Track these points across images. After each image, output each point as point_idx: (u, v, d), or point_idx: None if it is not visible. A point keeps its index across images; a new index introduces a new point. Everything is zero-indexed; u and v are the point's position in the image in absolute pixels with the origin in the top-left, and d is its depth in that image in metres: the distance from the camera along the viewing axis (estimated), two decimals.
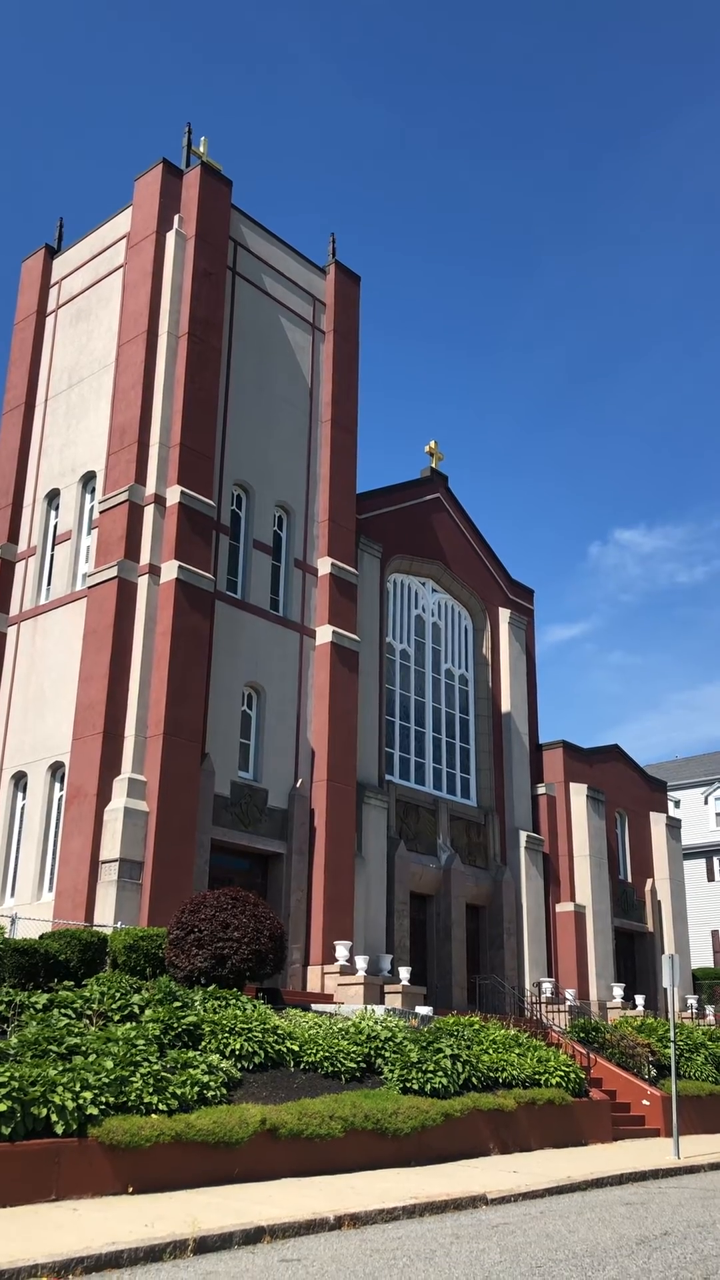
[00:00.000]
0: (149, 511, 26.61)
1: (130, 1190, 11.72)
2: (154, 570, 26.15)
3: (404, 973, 25.79)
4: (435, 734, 35.54)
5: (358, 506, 33.02)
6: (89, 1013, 15.62)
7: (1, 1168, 10.86)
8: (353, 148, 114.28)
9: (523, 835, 36.40)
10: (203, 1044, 15.24)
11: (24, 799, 27.50)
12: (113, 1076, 12.59)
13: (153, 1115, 12.49)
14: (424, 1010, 23.22)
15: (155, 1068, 13.19)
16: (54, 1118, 11.60)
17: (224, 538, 28.70)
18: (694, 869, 53.78)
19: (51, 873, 26.00)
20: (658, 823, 42.07)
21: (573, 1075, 19.83)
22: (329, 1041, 16.51)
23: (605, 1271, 8.88)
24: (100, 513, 27.25)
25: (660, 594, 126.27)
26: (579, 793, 38.36)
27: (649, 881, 41.02)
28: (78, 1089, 12.01)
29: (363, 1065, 16.69)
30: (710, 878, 54.66)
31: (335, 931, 27.42)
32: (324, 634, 30.05)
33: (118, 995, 16.21)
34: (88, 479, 29.50)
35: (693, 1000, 35.40)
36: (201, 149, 30.73)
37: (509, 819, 36.63)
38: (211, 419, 28.30)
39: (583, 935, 36.59)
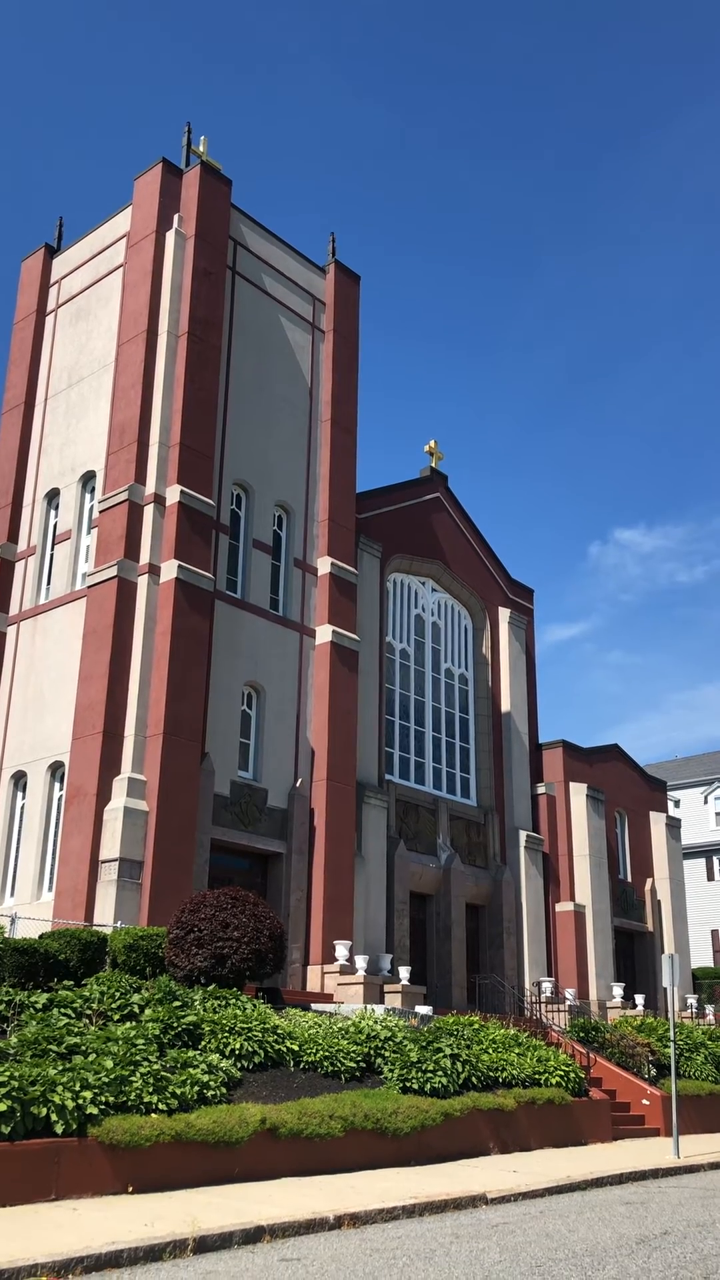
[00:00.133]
0: (149, 511, 26.61)
1: (130, 1190, 11.72)
2: (154, 570, 26.14)
3: (404, 972, 25.80)
4: (435, 733, 35.54)
5: (357, 506, 33.02)
6: (89, 1012, 15.62)
7: (1, 1167, 10.86)
8: (353, 148, 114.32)
9: (522, 835, 36.40)
10: (202, 1043, 15.23)
11: (24, 799, 27.50)
12: (112, 1076, 12.58)
13: (152, 1115, 12.49)
14: (424, 1010, 23.22)
15: (155, 1067, 13.18)
16: (54, 1117, 11.60)
17: (224, 537, 28.70)
18: (694, 868, 53.79)
19: (51, 872, 26.00)
20: (657, 822, 42.08)
21: (572, 1075, 19.83)
22: (329, 1041, 16.51)
23: (605, 1271, 8.88)
24: (100, 512, 27.24)
25: (660, 594, 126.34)
26: (579, 792, 38.36)
27: (649, 881, 41.02)
28: (77, 1088, 12.01)
29: (362, 1065, 16.69)
30: (710, 877, 54.66)
31: (335, 931, 27.42)
32: (324, 633, 30.05)
33: (117, 995, 16.21)
34: (87, 478, 29.50)
35: (692, 1000, 35.41)
36: (201, 148, 30.72)
37: (509, 818, 36.63)
38: (211, 418, 28.29)
39: (582, 935, 36.60)
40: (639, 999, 33.12)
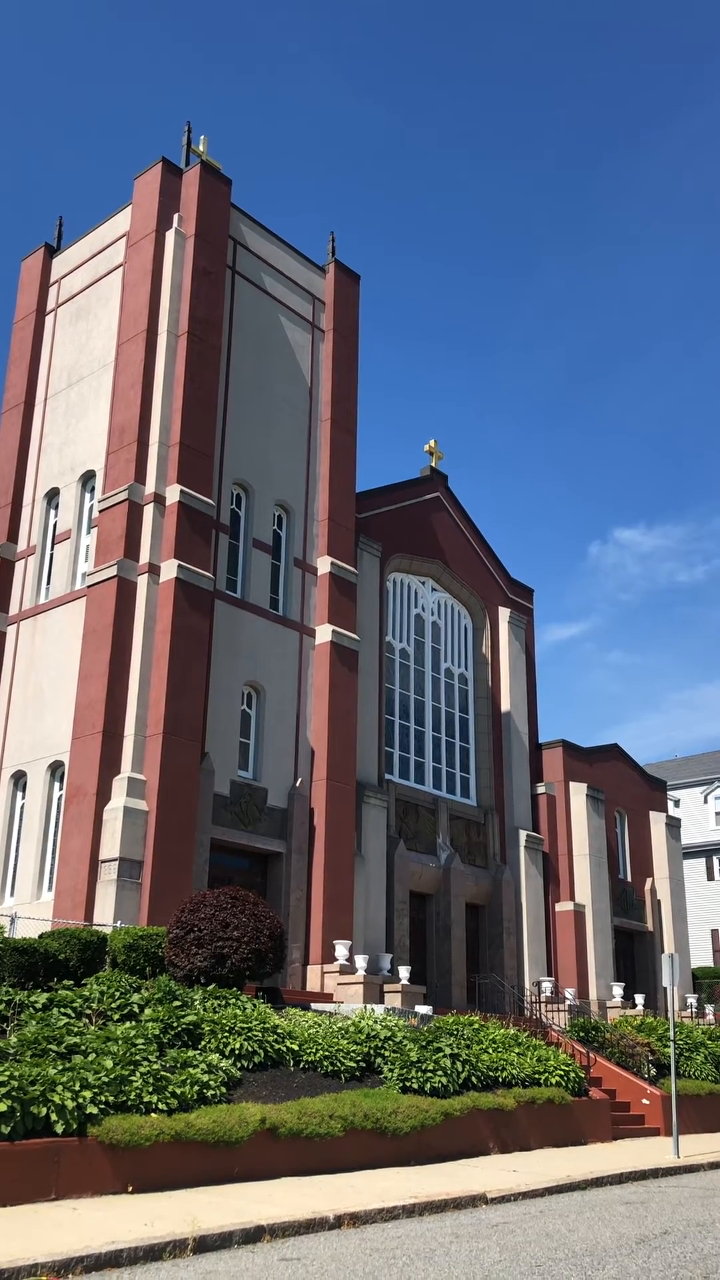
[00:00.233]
0: (148, 510, 26.60)
1: (130, 1189, 11.72)
2: (153, 569, 26.14)
3: (403, 972, 25.79)
4: (435, 733, 35.54)
5: (357, 506, 33.01)
6: (88, 1012, 15.61)
7: (1, 1167, 10.86)
8: (353, 148, 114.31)
9: (522, 834, 36.40)
10: (202, 1043, 15.23)
11: (24, 798, 27.49)
12: (112, 1076, 12.58)
13: (152, 1114, 12.48)
14: (423, 1009, 23.22)
15: (155, 1067, 13.18)
16: (54, 1117, 11.59)
17: (224, 537, 28.70)
18: (693, 868, 53.79)
19: (51, 872, 26.00)
20: (657, 822, 42.08)
21: (572, 1074, 19.83)
22: (328, 1041, 16.50)
23: (605, 1270, 8.88)
24: (100, 512, 27.23)
25: (660, 593, 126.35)
26: (579, 792, 38.36)
27: (649, 881, 41.02)
28: (77, 1088, 12.01)
29: (362, 1064, 16.68)
30: (710, 877, 54.66)
31: (335, 931, 27.41)
32: (324, 633, 30.05)
33: (117, 994, 16.21)
34: (87, 478, 29.49)
35: (692, 999, 35.41)
36: (201, 148, 30.70)
37: (508, 818, 36.63)
38: (211, 418, 28.29)
39: (582, 934, 36.60)
40: (639, 999, 33.13)
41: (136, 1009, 15.90)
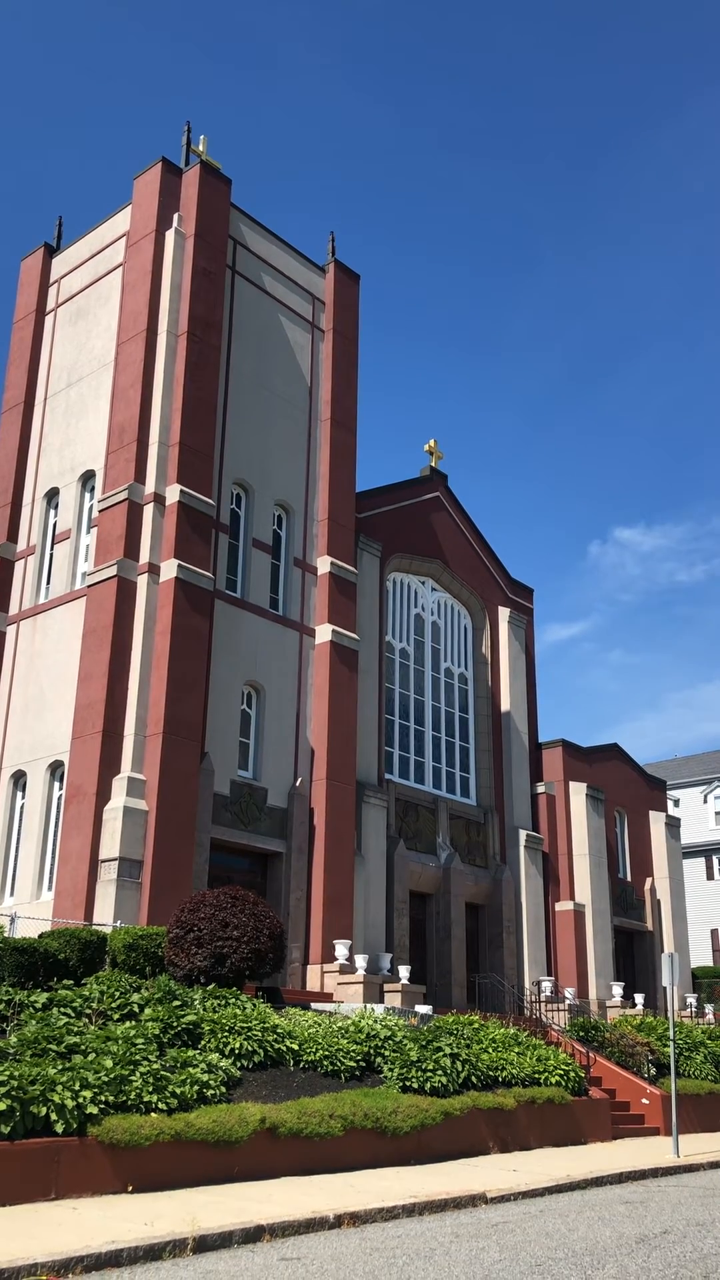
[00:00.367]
0: (148, 510, 26.60)
1: (130, 1189, 11.72)
2: (153, 569, 26.14)
3: (403, 971, 25.80)
4: (435, 733, 35.54)
5: (357, 505, 33.01)
6: (88, 1012, 15.61)
7: (1, 1166, 10.86)
8: (352, 147, 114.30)
9: (522, 834, 36.40)
10: (202, 1043, 15.23)
11: (23, 798, 27.49)
12: (112, 1075, 12.58)
13: (152, 1114, 12.49)
14: (423, 1009, 23.22)
15: (155, 1067, 13.18)
16: (53, 1117, 11.60)
17: (223, 536, 28.69)
18: (693, 868, 53.80)
19: (51, 872, 26.00)
20: (657, 821, 42.08)
21: (572, 1074, 19.83)
22: (328, 1040, 16.50)
23: (605, 1270, 8.88)
24: (99, 511, 27.23)
25: (660, 593, 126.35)
26: (578, 792, 38.37)
27: (648, 880, 41.03)
28: (77, 1088, 12.01)
29: (362, 1064, 16.68)
30: (709, 876, 54.67)
31: (335, 930, 27.42)
32: (323, 633, 30.05)
33: (117, 994, 16.21)
34: (87, 478, 29.49)
35: (692, 999, 35.42)
36: (201, 148, 30.70)
37: (508, 818, 36.64)
38: (211, 418, 28.28)
39: (582, 934, 36.60)
40: (639, 998, 33.14)
41: (136, 1009, 15.90)
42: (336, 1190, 12.52)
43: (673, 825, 42.50)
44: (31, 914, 24.17)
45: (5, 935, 19.13)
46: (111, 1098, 12.32)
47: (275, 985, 22.96)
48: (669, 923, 40.71)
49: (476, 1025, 20.27)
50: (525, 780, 37.88)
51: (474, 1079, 17.71)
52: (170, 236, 29.11)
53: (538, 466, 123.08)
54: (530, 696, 39.57)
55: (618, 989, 33.98)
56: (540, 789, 38.17)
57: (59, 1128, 11.56)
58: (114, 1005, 15.84)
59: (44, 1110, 11.55)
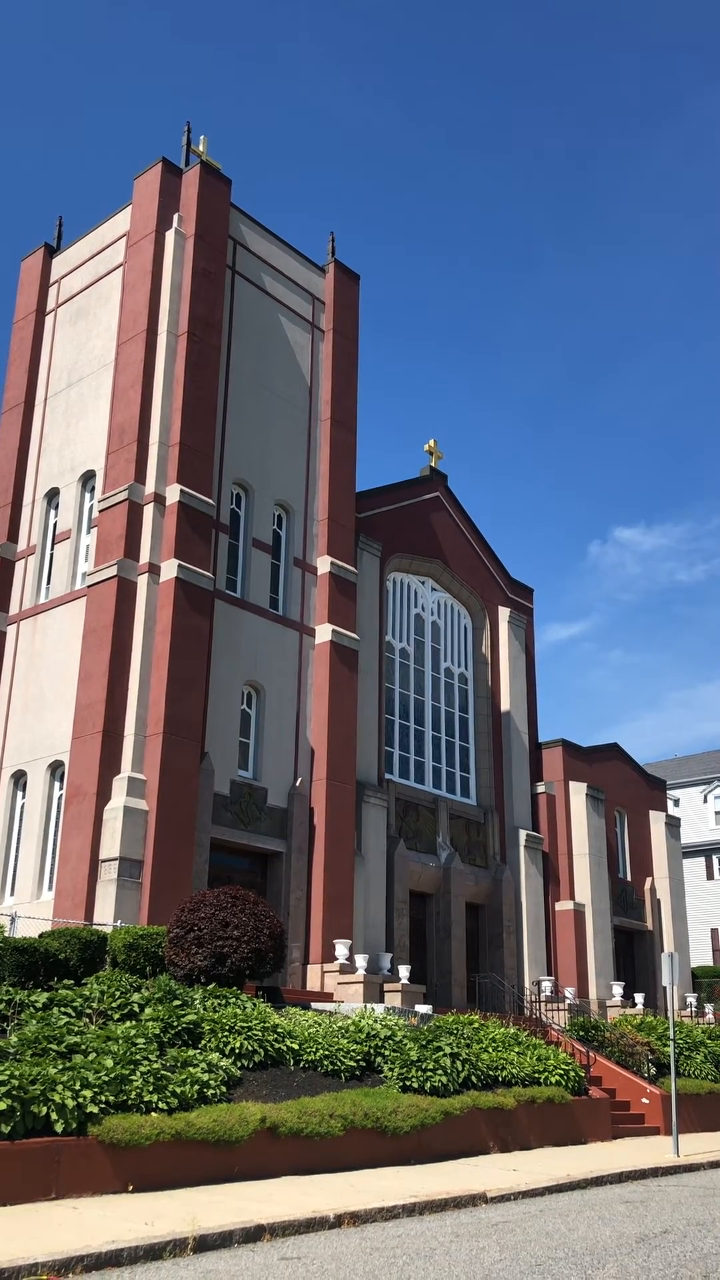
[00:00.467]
0: (148, 510, 26.61)
1: (130, 1189, 11.73)
2: (153, 569, 26.15)
3: (403, 971, 25.80)
4: (435, 733, 35.55)
5: (357, 505, 33.01)
6: (89, 1011, 15.62)
7: (1, 1166, 10.87)
8: (351, 145, 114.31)
9: (522, 834, 36.41)
10: (202, 1042, 15.24)
11: (24, 798, 27.50)
12: (113, 1075, 12.59)
13: (152, 1114, 12.49)
14: (423, 1009, 23.22)
15: (155, 1066, 13.19)
16: (54, 1116, 11.61)
17: (223, 536, 28.70)
18: (693, 867, 53.81)
19: (51, 871, 26.01)
20: (657, 821, 42.09)
21: (572, 1073, 19.84)
22: (329, 1040, 16.51)
23: (605, 1269, 8.89)
24: (100, 511, 27.24)
25: (660, 592, 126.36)
26: (578, 791, 38.37)
27: (648, 880, 41.03)
28: (78, 1087, 12.02)
29: (362, 1064, 16.69)
30: (709, 876, 54.68)
31: (335, 930, 27.43)
32: (323, 633, 30.05)
33: (117, 994, 16.22)
34: (87, 478, 29.50)
35: (692, 998, 35.42)
36: (201, 148, 30.71)
37: (508, 818, 36.64)
38: (211, 418, 28.29)
39: (582, 934, 36.61)
40: (639, 998, 33.13)
41: (137, 1008, 15.91)
42: (337, 1190, 12.53)
43: (673, 825, 42.51)
44: (32, 914, 24.18)
45: (6, 935, 19.14)
46: (112, 1097, 12.33)
47: (275, 985, 22.97)
48: (669, 922, 40.72)
49: (476, 1025, 20.28)
50: (525, 780, 37.88)
51: (474, 1079, 17.71)
52: (170, 237, 29.11)
53: (538, 466, 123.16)
54: (530, 696, 39.58)
55: (618, 989, 33.98)
56: (540, 789, 38.18)
57: (59, 1127, 11.57)
58: (114, 1005, 15.85)
59: (44, 1110, 11.56)
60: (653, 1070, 23.75)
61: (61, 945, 19.30)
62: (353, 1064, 16.33)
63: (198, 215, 29.30)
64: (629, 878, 40.46)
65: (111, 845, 23.67)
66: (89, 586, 26.58)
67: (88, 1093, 12.01)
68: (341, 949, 26.45)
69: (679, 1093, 21.40)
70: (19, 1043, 13.00)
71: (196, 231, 29.14)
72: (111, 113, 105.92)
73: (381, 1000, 24.65)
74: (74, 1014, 15.25)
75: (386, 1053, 17.11)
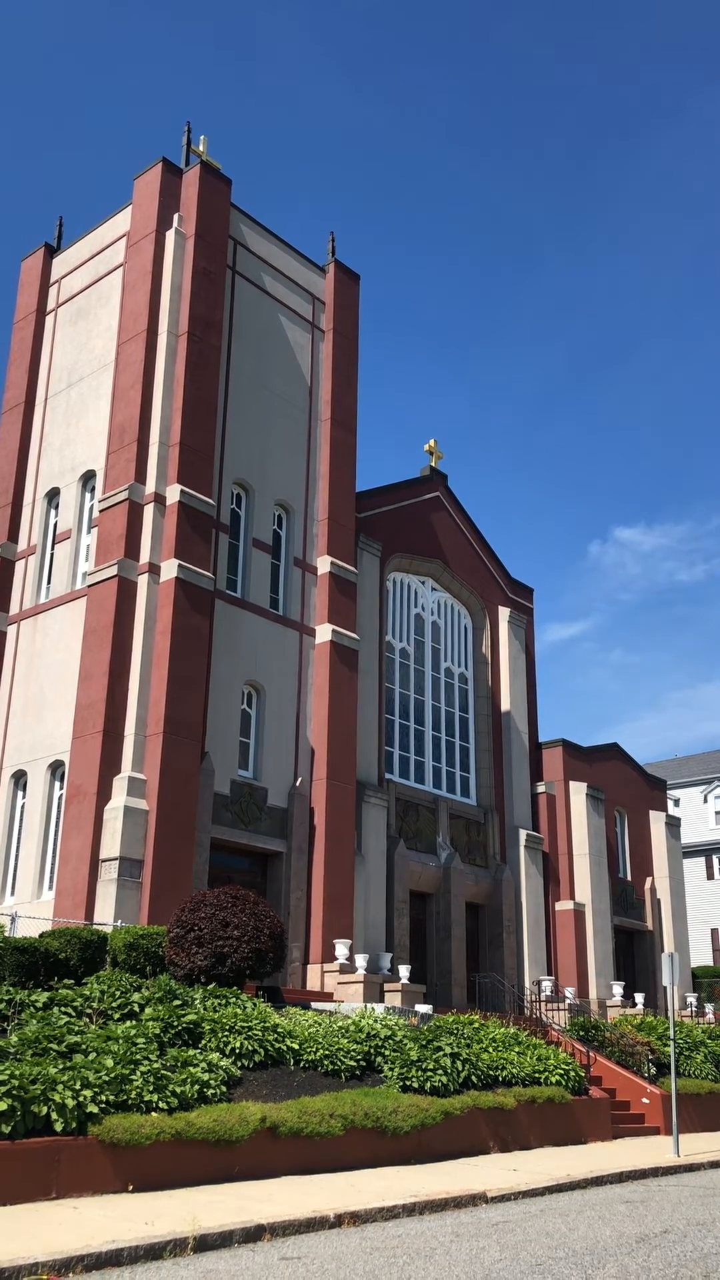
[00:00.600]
0: (149, 510, 26.61)
1: (130, 1188, 11.73)
2: (154, 569, 26.15)
3: (404, 971, 25.80)
4: (435, 732, 35.55)
5: (357, 505, 33.02)
6: (89, 1011, 15.63)
7: (1, 1166, 10.87)
8: (352, 145, 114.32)
9: (522, 834, 36.41)
10: (203, 1042, 15.24)
11: (24, 798, 27.51)
12: (113, 1075, 12.59)
13: (153, 1113, 12.49)
14: (423, 1008, 23.22)
15: (155, 1066, 13.19)
16: (54, 1116, 11.61)
17: (223, 536, 28.71)
18: (693, 867, 53.81)
19: (51, 871, 26.01)
20: (657, 821, 42.09)
21: (572, 1073, 19.84)
22: (329, 1040, 16.51)
23: (605, 1269, 8.89)
24: (100, 511, 27.25)
25: (660, 592, 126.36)
26: (578, 791, 38.37)
27: (648, 880, 41.04)
28: (78, 1087, 12.02)
29: (362, 1063, 16.69)
30: (709, 876, 54.68)
31: (335, 930, 27.43)
32: (324, 632, 30.06)
33: (118, 993, 16.22)
34: (87, 478, 29.50)
35: (692, 998, 35.42)
36: (201, 148, 30.71)
37: (508, 817, 36.64)
38: (211, 418, 28.30)
39: (582, 934, 36.61)
40: (639, 997, 33.13)
41: (137, 1008, 15.92)
42: (337, 1189, 12.53)
43: (673, 825, 42.51)
44: (32, 913, 24.18)
45: (6, 935, 19.15)
46: (112, 1097, 12.33)
47: (275, 985, 22.98)
48: (669, 922, 40.72)
49: (477, 1025, 20.28)
50: (525, 780, 37.89)
51: (474, 1078, 17.72)
52: (170, 237, 29.12)
53: (538, 465, 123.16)
54: (530, 696, 39.58)
55: (618, 988, 33.98)
56: (540, 789, 38.18)
57: (59, 1127, 11.57)
58: (114, 1005, 15.85)
59: (44, 1109, 11.56)
60: (653, 1070, 23.75)
61: (62, 945, 19.31)
62: (353, 1064, 16.33)
63: (198, 215, 29.31)
64: (629, 877, 40.47)
65: (112, 845, 23.67)
66: (89, 586, 26.58)
67: (88, 1092, 12.02)
68: (341, 949, 26.46)
69: (679, 1092, 21.40)
70: (19, 1042, 13.00)
71: (197, 231, 29.14)
72: (111, 113, 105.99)
73: (381, 1000, 24.65)
74: (74, 1014, 15.25)
75: (387, 1052, 17.11)
